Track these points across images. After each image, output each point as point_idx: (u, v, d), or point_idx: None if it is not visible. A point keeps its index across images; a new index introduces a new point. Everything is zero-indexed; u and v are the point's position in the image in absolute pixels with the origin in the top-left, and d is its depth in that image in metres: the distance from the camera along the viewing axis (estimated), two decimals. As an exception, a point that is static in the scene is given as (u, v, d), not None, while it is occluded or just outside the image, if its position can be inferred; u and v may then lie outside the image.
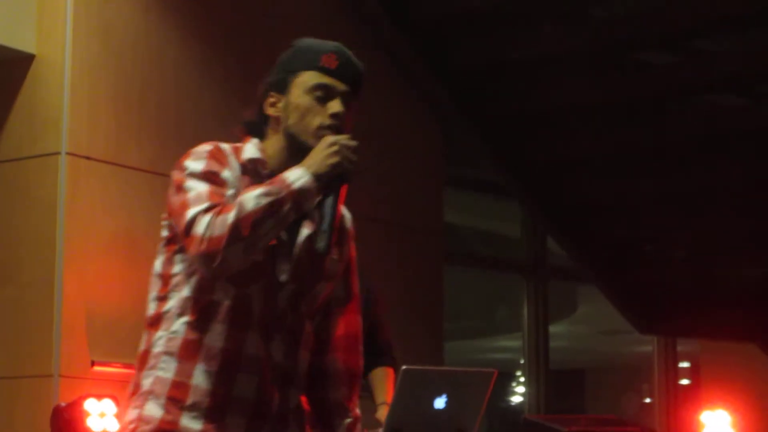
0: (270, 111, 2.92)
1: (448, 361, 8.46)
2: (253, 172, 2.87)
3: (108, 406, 5.71)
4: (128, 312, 6.19)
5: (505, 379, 15.08)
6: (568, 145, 8.38)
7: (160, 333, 2.84)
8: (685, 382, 11.69)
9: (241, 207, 2.70)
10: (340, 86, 2.89)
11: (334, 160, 2.77)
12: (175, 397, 2.80)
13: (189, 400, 2.79)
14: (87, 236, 6.11)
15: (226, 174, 2.83)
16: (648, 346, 10.19)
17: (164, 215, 2.89)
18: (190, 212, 2.74)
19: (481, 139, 8.28)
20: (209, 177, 2.80)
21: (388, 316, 5.29)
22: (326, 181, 2.78)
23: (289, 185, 2.74)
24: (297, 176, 2.75)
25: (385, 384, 5.10)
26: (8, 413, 6.04)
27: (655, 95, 8.03)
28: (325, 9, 7.53)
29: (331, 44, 2.95)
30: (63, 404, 5.68)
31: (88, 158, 6.13)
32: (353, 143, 2.81)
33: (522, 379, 10.55)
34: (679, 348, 10.07)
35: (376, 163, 7.72)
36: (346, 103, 2.89)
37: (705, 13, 7.36)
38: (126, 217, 6.27)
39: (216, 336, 2.80)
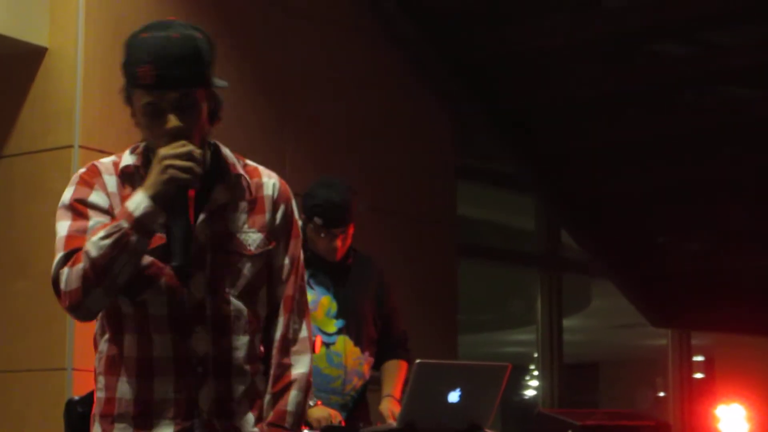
0: (133, 119, 2.89)
1: (462, 355, 8.44)
2: (136, 178, 2.87)
3: (121, 399, 5.70)
4: (141, 305, 6.19)
5: (519, 373, 15.08)
6: (581, 137, 8.36)
7: (96, 355, 2.93)
8: (699, 375, 11.66)
9: (86, 256, 2.74)
10: (167, 96, 2.80)
11: (165, 176, 2.75)
12: (106, 413, 2.87)
13: (116, 411, 2.85)
14: (100, 229, 6.10)
15: (93, 198, 2.85)
16: (662, 339, 10.15)
17: None
18: (54, 267, 2.81)
19: (494, 131, 8.26)
20: (74, 207, 2.85)
21: (402, 309, 5.28)
22: (167, 198, 2.76)
23: (130, 214, 2.74)
24: (136, 204, 2.75)
25: (394, 377, 5.08)
26: (21, 407, 6.04)
27: (668, 86, 8.01)
28: (339, 1, 7.51)
29: (146, 49, 2.80)
30: (76, 398, 5.65)
31: (101, 151, 6.11)
32: (187, 149, 2.76)
33: (536, 373, 10.54)
34: (693, 341, 10.03)
35: (389, 155, 7.71)
36: (181, 106, 2.81)
37: (719, 3, 7.32)
38: (139, 211, 6.25)
39: (129, 346, 2.84)
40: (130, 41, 2.84)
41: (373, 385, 5.11)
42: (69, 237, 2.82)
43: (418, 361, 4.56)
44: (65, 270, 2.78)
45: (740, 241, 8.58)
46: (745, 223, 8.40)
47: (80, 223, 2.83)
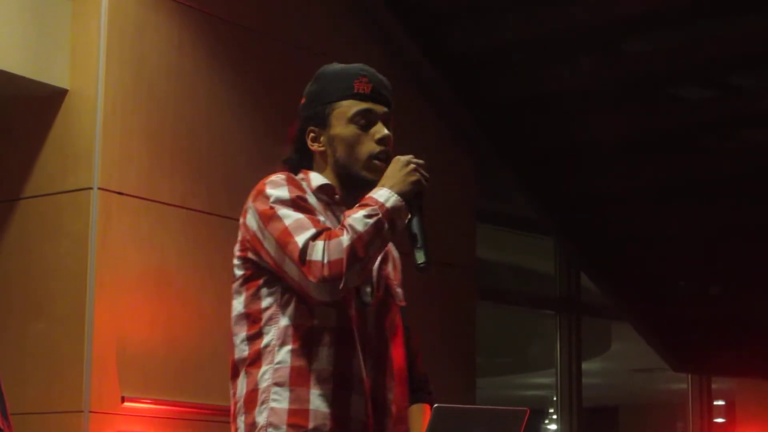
0: (314, 147, 2.95)
1: (480, 398, 8.40)
2: (326, 200, 2.91)
3: (138, 442, 5.68)
4: (159, 348, 6.16)
5: (538, 417, 14.99)
6: (601, 180, 8.34)
7: (264, 368, 2.83)
8: (720, 420, 11.56)
9: (353, 230, 2.73)
10: (379, 109, 2.94)
11: (414, 177, 2.85)
12: (296, 424, 2.80)
13: (311, 425, 2.79)
14: (118, 271, 6.09)
15: (311, 200, 2.86)
16: (682, 383, 10.10)
17: (237, 252, 2.88)
18: (300, 240, 2.75)
19: (514, 174, 8.24)
20: (298, 203, 2.83)
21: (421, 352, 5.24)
22: (408, 199, 2.83)
23: (382, 204, 2.78)
24: (386, 196, 2.80)
25: (420, 421, 5.04)
26: (38, 449, 6.02)
27: (689, 130, 7.99)
28: (358, 42, 7.52)
29: (357, 67, 2.99)
30: (93, 440, 5.65)
31: (120, 193, 6.12)
32: (422, 161, 2.89)
33: (554, 417, 10.46)
34: (714, 386, 9.97)
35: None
36: (386, 123, 2.95)
37: (739, 48, 7.31)
38: (157, 253, 6.25)
39: (324, 360, 2.81)
40: (325, 69, 3.01)
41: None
42: (311, 219, 2.79)
43: (435, 405, 4.52)
44: (320, 242, 2.73)
45: (761, 285, 8.53)
46: (766, 267, 8.35)
47: (312, 216, 2.80)
